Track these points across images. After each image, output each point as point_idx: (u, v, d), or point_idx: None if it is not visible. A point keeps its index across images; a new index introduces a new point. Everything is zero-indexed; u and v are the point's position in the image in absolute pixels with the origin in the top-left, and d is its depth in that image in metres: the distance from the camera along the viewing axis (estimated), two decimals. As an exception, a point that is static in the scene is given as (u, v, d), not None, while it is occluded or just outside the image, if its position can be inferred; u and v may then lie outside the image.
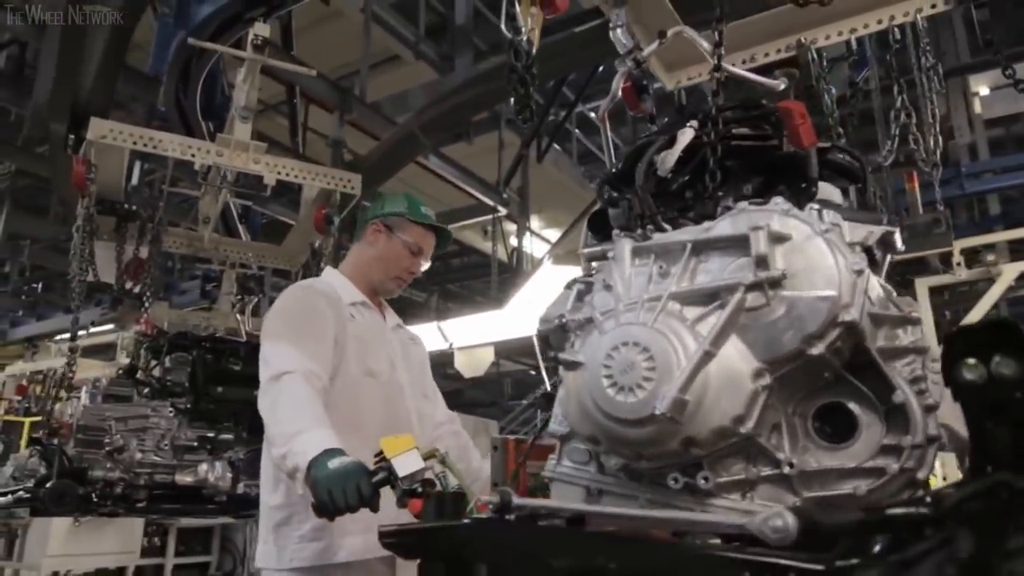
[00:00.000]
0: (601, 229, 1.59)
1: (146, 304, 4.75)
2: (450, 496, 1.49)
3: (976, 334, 0.91)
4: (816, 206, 1.25)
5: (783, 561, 0.92)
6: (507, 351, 10.22)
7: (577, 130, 9.53)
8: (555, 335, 1.37)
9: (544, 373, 9.21)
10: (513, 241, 8.98)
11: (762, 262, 1.11)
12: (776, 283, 1.10)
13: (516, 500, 1.29)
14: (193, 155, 3.81)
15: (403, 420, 2.12)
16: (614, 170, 1.72)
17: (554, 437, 1.36)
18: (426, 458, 1.61)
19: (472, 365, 8.45)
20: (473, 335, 7.79)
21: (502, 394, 16.73)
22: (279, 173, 3.94)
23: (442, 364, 14.00)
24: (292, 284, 2.35)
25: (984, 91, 4.64)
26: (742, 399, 1.07)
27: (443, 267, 14.24)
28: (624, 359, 1.11)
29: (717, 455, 1.09)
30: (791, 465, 1.09)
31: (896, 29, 2.78)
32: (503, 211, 7.57)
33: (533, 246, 8.57)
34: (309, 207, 4.43)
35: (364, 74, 6.42)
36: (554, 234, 9.29)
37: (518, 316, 6.80)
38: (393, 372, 2.18)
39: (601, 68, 7.43)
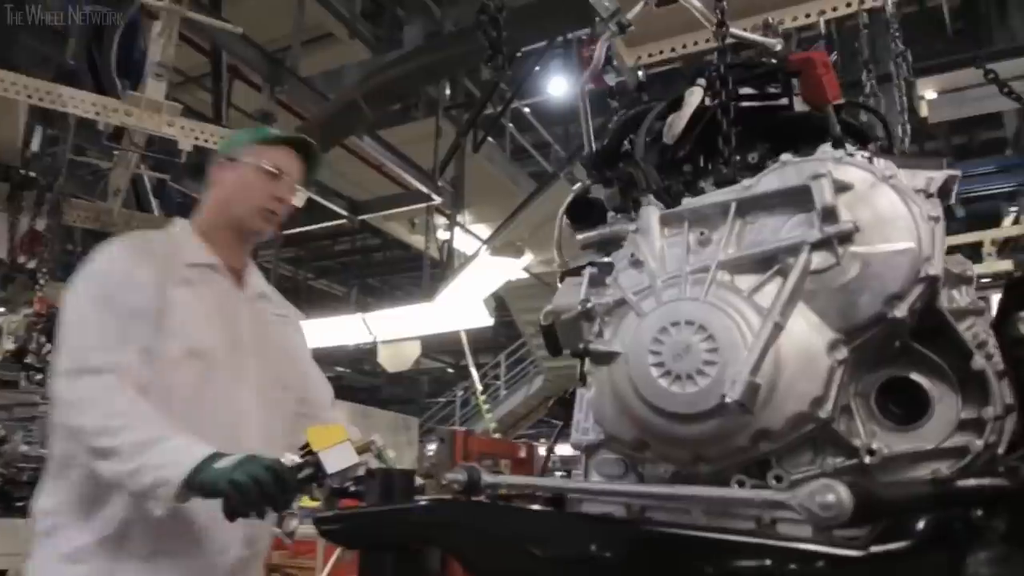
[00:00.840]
0: (582, 218, 1.44)
1: (40, 283, 4.32)
2: (399, 474, 1.29)
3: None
4: (866, 153, 1.09)
5: (811, 547, 0.80)
6: (426, 348, 9.96)
7: (511, 124, 9.37)
8: (568, 328, 1.17)
9: (473, 371, 9.00)
10: (441, 235, 8.72)
11: (829, 215, 0.94)
12: (847, 238, 0.94)
13: (486, 478, 1.12)
14: (98, 113, 3.45)
15: (234, 416, 1.66)
16: (597, 148, 1.59)
17: (577, 449, 1.16)
18: (360, 452, 1.41)
19: (397, 360, 8.14)
20: (399, 328, 7.51)
21: (420, 391, 16.48)
22: (196, 139, 3.61)
23: (359, 359, 13.54)
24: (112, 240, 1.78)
25: (931, 95, 4.74)
26: (820, 377, 0.89)
27: (364, 260, 13.83)
28: (677, 342, 0.94)
29: (786, 448, 0.92)
30: (871, 452, 0.92)
31: (865, 14, 2.73)
32: (437, 199, 7.30)
33: (463, 241, 8.33)
34: (232, 181, 4.07)
35: (297, 48, 6.07)
36: (483, 229, 9.06)
37: (448, 310, 6.56)
38: (233, 354, 1.71)
39: (537, 67, 7.34)
